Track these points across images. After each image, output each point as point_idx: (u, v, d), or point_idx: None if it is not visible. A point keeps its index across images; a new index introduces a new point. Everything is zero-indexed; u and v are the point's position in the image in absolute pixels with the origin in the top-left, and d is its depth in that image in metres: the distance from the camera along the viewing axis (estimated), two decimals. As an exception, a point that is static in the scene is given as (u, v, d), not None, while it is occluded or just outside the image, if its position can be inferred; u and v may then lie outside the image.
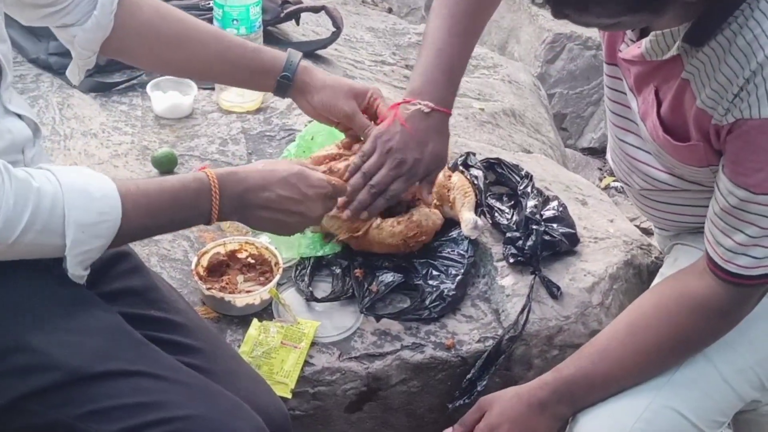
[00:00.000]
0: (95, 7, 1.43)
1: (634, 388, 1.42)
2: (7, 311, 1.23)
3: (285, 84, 1.58)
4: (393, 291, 1.66)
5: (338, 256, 1.71)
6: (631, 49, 1.36)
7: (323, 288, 1.68)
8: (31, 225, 1.14)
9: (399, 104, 1.57)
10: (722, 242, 1.31)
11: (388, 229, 1.66)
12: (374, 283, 1.65)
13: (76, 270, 1.21)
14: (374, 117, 1.61)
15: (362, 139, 1.60)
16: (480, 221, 1.73)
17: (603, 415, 1.43)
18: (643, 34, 1.34)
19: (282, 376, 1.51)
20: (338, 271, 1.69)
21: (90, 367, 1.22)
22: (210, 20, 2.15)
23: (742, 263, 1.30)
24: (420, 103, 1.55)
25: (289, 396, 1.50)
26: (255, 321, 1.58)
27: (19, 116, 1.27)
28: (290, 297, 1.64)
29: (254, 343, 1.55)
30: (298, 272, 1.69)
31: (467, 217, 1.72)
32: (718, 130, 1.27)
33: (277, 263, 1.63)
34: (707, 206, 1.37)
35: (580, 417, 1.44)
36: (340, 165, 1.59)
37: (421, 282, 1.68)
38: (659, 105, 1.36)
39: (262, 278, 1.63)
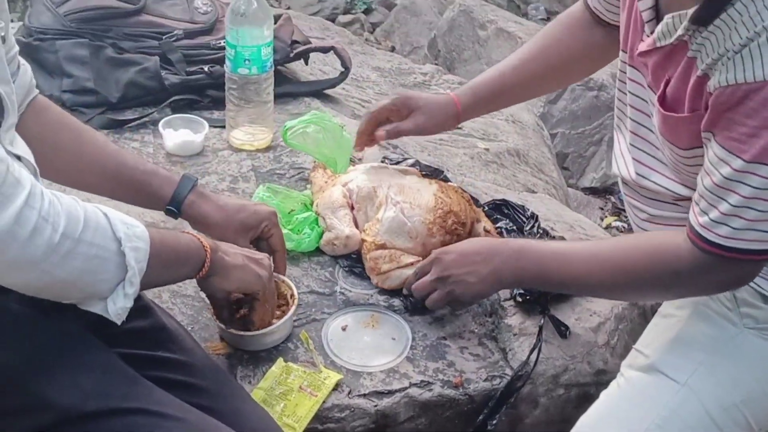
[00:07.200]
0: (18, 68, 1.42)
1: (623, 415, 1.46)
2: (1, 351, 1.24)
3: (174, 215, 1.60)
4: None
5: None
6: (647, 41, 1.40)
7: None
8: (88, 221, 1.18)
9: None
10: (708, 213, 1.32)
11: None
12: None
13: (134, 266, 1.21)
14: (269, 250, 1.65)
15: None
16: None
17: None
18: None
19: (292, 420, 1.52)
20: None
21: (83, 406, 1.23)
22: (221, 60, 2.20)
23: (720, 232, 1.31)
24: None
25: None
26: (280, 360, 1.60)
27: (18, 158, 1.28)
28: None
29: (274, 381, 1.56)
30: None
31: None
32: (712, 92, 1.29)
33: (292, 295, 1.65)
34: None
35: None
36: None
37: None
38: (665, 87, 1.38)
39: (278, 311, 1.64)
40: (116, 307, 1.23)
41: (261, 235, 1.65)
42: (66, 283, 1.19)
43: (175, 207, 1.58)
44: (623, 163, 1.56)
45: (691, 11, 1.29)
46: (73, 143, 1.52)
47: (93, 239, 1.18)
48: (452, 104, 1.83)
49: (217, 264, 1.39)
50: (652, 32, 1.38)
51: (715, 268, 1.35)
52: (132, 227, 1.23)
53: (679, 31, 1.31)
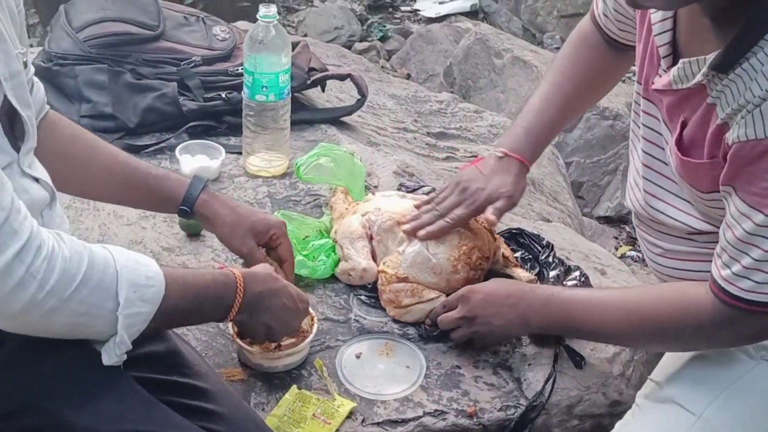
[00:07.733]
0: (32, 86, 1.43)
1: None
2: (18, 372, 1.24)
3: (187, 214, 1.63)
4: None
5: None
6: (662, 79, 1.40)
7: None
8: (87, 279, 1.16)
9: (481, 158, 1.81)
10: (730, 266, 1.33)
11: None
12: None
13: (123, 333, 1.21)
14: (278, 260, 1.68)
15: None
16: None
17: None
18: (675, 63, 1.37)
19: None
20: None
21: (98, 428, 1.23)
22: (239, 86, 2.21)
23: (743, 286, 1.32)
24: (495, 150, 1.78)
25: None
26: (294, 387, 1.60)
27: (36, 180, 1.29)
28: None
29: (287, 408, 1.56)
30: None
31: (521, 273, 1.84)
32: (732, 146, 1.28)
33: (312, 317, 1.65)
34: None
35: None
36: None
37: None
38: (682, 129, 1.38)
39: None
40: (109, 361, 1.24)
41: (269, 242, 1.67)
42: (51, 333, 1.20)
43: (187, 206, 1.62)
44: (634, 195, 1.56)
45: (710, 57, 1.28)
46: (87, 152, 1.56)
47: (86, 298, 1.16)
48: (523, 167, 1.79)
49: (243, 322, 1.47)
50: (668, 67, 1.38)
51: (738, 322, 1.36)
52: (142, 289, 1.21)
53: (698, 77, 1.31)
